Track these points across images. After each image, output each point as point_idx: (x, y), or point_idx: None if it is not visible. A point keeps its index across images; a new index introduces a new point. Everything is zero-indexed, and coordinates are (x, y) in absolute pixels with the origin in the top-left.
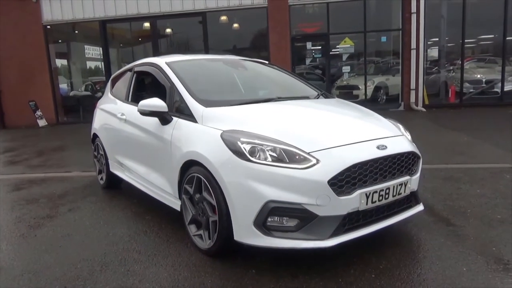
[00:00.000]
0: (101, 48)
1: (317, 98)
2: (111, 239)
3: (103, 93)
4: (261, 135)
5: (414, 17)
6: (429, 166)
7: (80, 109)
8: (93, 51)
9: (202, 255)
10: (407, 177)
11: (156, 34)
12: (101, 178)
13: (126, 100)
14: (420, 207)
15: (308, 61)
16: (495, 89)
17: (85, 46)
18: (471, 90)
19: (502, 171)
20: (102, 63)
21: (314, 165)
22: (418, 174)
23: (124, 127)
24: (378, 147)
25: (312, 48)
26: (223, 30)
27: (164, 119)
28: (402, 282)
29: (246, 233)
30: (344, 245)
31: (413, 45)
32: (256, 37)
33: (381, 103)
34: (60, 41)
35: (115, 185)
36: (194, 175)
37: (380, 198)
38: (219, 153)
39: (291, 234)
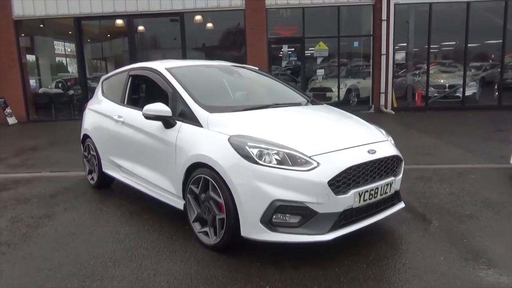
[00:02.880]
0: (74, 45)
1: (307, 104)
2: (116, 237)
3: (75, 91)
4: (266, 140)
5: (384, 24)
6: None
7: (52, 106)
8: (62, 47)
9: (208, 251)
10: (392, 178)
11: (132, 32)
12: (92, 178)
13: (122, 103)
14: (401, 205)
15: (284, 63)
16: (457, 94)
17: (55, 42)
18: (435, 94)
19: (466, 171)
20: (75, 59)
21: (315, 167)
22: (400, 175)
23: (121, 129)
24: (369, 151)
25: (288, 50)
26: (200, 30)
27: (168, 123)
28: (391, 271)
29: (253, 229)
30: (338, 239)
31: (383, 50)
32: (233, 38)
33: (353, 105)
34: (28, 36)
35: (106, 185)
36: (201, 176)
37: (371, 197)
38: (227, 156)
39: (294, 230)
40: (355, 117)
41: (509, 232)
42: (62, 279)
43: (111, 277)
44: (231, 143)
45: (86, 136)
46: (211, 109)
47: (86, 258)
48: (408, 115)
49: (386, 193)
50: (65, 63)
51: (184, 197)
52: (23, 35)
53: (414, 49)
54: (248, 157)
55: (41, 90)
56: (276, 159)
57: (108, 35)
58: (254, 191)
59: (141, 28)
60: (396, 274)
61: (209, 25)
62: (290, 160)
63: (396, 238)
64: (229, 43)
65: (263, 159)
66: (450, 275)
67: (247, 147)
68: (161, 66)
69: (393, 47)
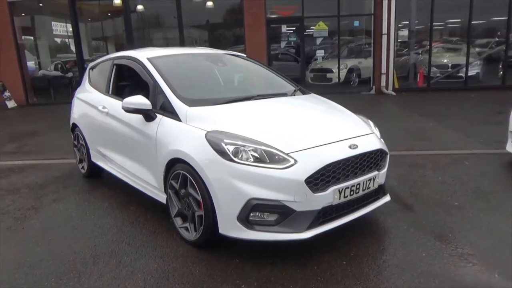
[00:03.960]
0: (70, 25)
1: (294, 94)
2: (99, 231)
3: (74, 73)
4: (243, 136)
5: (385, 2)
6: (397, 153)
7: (51, 89)
8: (60, 28)
9: (188, 246)
10: (376, 172)
11: (128, 12)
12: (82, 167)
13: (106, 93)
14: (387, 198)
15: (283, 44)
16: (460, 74)
17: (53, 23)
18: (438, 75)
19: (462, 157)
20: (72, 40)
21: (292, 165)
22: (385, 169)
23: (106, 120)
24: (350, 147)
25: (287, 31)
26: (197, 9)
27: (148, 116)
28: (370, 269)
29: (230, 227)
30: (319, 235)
31: (384, 30)
32: (231, 18)
33: (354, 86)
34: (25, 16)
35: (96, 174)
36: (180, 172)
37: (352, 193)
38: (204, 153)
39: (271, 228)
40: (341, 108)
41: (496, 224)
42: (39, 276)
43: (88, 275)
44: (207, 139)
45: (74, 125)
46: (190, 102)
47: (67, 254)
48: (409, 97)
49: (369, 188)
50: (65, 44)
51: (165, 192)
52: (21, 15)
53: (417, 27)
54: (224, 154)
55: (40, 73)
56: (253, 156)
57: (109, 14)
58: (230, 189)
59: (140, 7)
60: (375, 272)
61: (209, 3)
62: (267, 157)
63: (380, 232)
64: (227, 23)
65: (239, 156)
66: (429, 273)
67: (223, 144)
68: (143, 55)
69: (394, 27)
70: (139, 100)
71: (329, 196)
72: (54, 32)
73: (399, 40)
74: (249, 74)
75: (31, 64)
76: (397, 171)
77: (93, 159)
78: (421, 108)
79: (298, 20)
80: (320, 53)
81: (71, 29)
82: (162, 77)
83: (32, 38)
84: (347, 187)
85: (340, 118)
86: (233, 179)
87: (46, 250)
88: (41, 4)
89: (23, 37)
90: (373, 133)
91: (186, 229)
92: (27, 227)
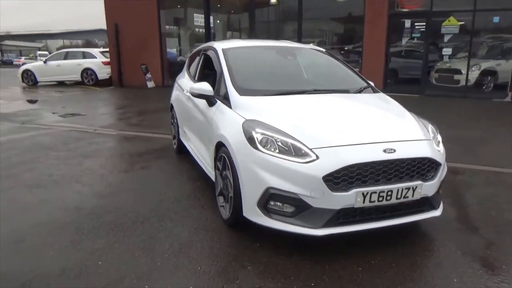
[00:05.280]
0: (203, 16)
1: (360, 91)
2: (160, 198)
3: None
4: (275, 127)
5: None
6: (500, 170)
7: None
8: (201, 19)
9: (222, 223)
10: (418, 182)
11: (253, 4)
12: (174, 143)
13: (193, 78)
14: (435, 213)
15: (404, 40)
16: None
17: (194, 14)
18: None
19: None
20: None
21: (313, 160)
22: (434, 181)
23: (188, 103)
24: (385, 150)
25: (411, 26)
26: (318, 3)
27: (210, 101)
28: (382, 281)
29: (251, 211)
30: (354, 235)
31: None
32: (351, 13)
33: (487, 91)
34: (170, 9)
35: (183, 150)
36: (222, 155)
37: (380, 199)
38: (238, 139)
39: (288, 219)
40: (402, 110)
41: None
42: (100, 224)
43: (133, 230)
44: (243, 127)
45: (172, 106)
46: (243, 91)
47: (126, 211)
48: None
49: (406, 197)
50: (200, 34)
51: (214, 171)
52: (167, 7)
53: None
54: (252, 141)
55: (179, 59)
56: (280, 148)
57: (236, 6)
58: (253, 175)
59: (273, 0)
60: (384, 286)
61: None
62: (293, 150)
63: (419, 247)
64: (345, 18)
65: (267, 146)
66: None
67: (253, 132)
68: (220, 46)
69: None
70: (203, 86)
71: (350, 197)
72: (195, 23)
73: None
74: (317, 69)
75: (173, 51)
76: (486, 190)
77: (180, 137)
78: None
79: (425, 14)
80: (447, 51)
81: (211, 20)
82: (227, 66)
83: (176, 28)
84: (374, 192)
85: (389, 120)
86: (256, 166)
87: (112, 204)
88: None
89: (167, 27)
90: (426, 139)
91: (224, 207)
92: (110, 183)
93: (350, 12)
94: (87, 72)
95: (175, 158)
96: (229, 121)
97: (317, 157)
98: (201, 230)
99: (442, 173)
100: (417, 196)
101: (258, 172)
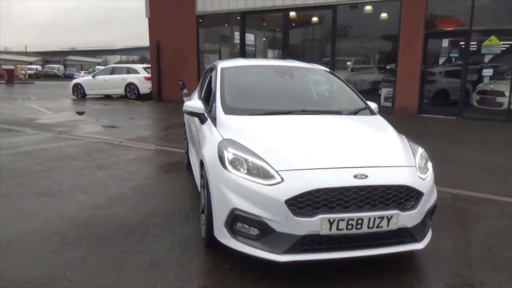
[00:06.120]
0: (239, 34)
1: (355, 114)
2: (152, 212)
3: None
4: (248, 148)
5: None
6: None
7: None
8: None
9: (201, 242)
10: (395, 212)
11: (287, 24)
12: (186, 158)
13: (199, 96)
14: (416, 246)
15: (441, 60)
16: None
17: (235, 32)
18: None
19: None
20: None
21: (278, 183)
22: (414, 211)
23: (191, 120)
24: (355, 176)
25: (449, 46)
26: (352, 22)
27: (201, 119)
28: None
29: (220, 231)
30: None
31: None
32: (385, 32)
33: None
34: (208, 27)
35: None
36: (203, 173)
37: (349, 227)
38: (212, 158)
39: (252, 242)
40: (391, 135)
41: None
42: (108, 217)
43: (113, 243)
44: (218, 146)
45: (184, 123)
46: (229, 110)
47: (118, 221)
48: None
49: (380, 227)
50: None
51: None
52: (206, 26)
53: None
54: (222, 161)
55: None
56: (249, 169)
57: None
58: (221, 195)
59: (315, 19)
60: None
61: (366, 11)
62: (262, 172)
63: (393, 283)
64: (379, 37)
65: (237, 166)
66: None
67: (225, 152)
68: (221, 65)
69: None
70: (195, 104)
71: (315, 224)
72: (235, 41)
73: None
74: (311, 89)
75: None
76: (497, 222)
77: (188, 153)
78: None
79: (464, 33)
80: (487, 72)
81: (252, 38)
82: (220, 84)
83: (217, 45)
84: (342, 219)
85: (368, 144)
86: (224, 186)
87: (104, 215)
88: (222, 17)
89: (207, 44)
90: (408, 166)
91: (203, 225)
92: (111, 194)
93: (387, 30)
94: (130, 87)
95: (185, 173)
96: (210, 140)
97: (282, 180)
98: (178, 248)
99: (427, 203)
100: (392, 226)
101: (225, 192)
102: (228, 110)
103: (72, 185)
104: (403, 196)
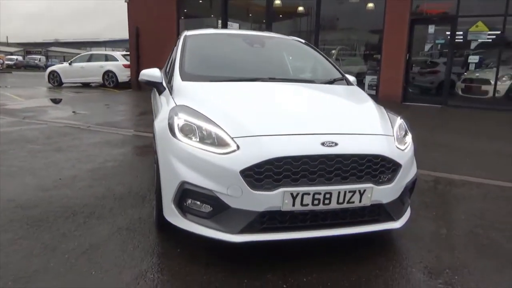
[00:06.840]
0: (220, 21)
1: (331, 83)
2: (105, 194)
3: None
4: (202, 114)
5: None
6: (506, 184)
7: None
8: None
9: (153, 224)
10: (368, 185)
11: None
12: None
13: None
14: (392, 225)
15: (427, 47)
16: None
17: (218, 21)
18: None
19: None
20: None
21: (233, 151)
22: (390, 185)
23: (154, 96)
24: (323, 143)
25: (434, 32)
26: (337, 11)
27: (158, 89)
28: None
29: (168, 210)
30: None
31: None
32: (370, 17)
33: None
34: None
35: None
36: (154, 145)
37: (316, 202)
38: (162, 126)
39: (203, 221)
40: (367, 105)
41: None
42: (78, 193)
43: (50, 226)
44: (169, 113)
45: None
46: (187, 76)
47: (62, 203)
48: None
49: (351, 202)
50: None
51: None
52: (185, 11)
53: None
54: (172, 129)
55: None
56: (201, 136)
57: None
58: (170, 167)
59: (300, 8)
60: None
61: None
62: (217, 140)
63: (368, 265)
64: (364, 22)
65: (187, 134)
66: None
67: (175, 118)
68: (185, 33)
69: None
70: (151, 72)
71: (275, 198)
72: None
73: None
74: (283, 58)
75: None
76: (481, 204)
77: None
78: None
79: (450, 19)
80: (473, 59)
81: (237, 27)
82: (181, 52)
83: None
84: (307, 193)
85: (341, 111)
86: (173, 157)
87: (48, 198)
88: (205, 4)
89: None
90: (385, 135)
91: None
92: (63, 176)
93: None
94: (108, 75)
95: (151, 157)
96: (162, 108)
97: (238, 148)
98: (125, 231)
99: (405, 176)
100: (365, 201)
101: (174, 164)
102: (186, 77)
103: (21, 167)
104: (378, 168)
